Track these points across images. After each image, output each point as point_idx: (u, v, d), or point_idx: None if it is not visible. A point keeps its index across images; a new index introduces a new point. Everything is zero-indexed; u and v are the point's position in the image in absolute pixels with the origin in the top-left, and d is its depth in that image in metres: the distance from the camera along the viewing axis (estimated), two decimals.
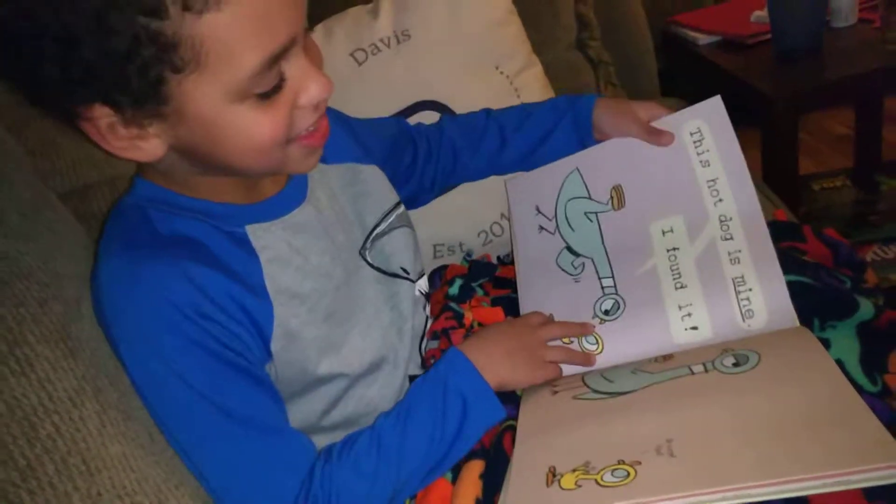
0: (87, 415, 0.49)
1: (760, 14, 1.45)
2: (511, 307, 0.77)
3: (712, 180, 0.73)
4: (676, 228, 0.73)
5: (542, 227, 0.81)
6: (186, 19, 0.46)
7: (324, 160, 0.66)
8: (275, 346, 0.60)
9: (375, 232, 0.72)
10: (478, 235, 0.99)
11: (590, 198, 0.79)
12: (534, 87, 1.05)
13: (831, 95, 1.37)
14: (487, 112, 0.88)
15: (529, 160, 0.85)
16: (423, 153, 0.85)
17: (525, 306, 0.76)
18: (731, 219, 0.71)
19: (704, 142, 0.75)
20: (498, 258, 0.92)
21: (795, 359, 0.59)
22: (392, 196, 0.77)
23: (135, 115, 0.50)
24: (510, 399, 0.65)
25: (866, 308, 0.64)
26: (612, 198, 0.78)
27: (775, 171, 1.31)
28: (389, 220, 0.74)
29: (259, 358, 0.59)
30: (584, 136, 0.82)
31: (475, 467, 0.59)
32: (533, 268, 0.79)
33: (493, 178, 0.91)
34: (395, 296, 0.71)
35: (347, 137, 0.75)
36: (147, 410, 0.56)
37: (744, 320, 0.66)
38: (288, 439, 0.58)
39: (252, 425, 0.56)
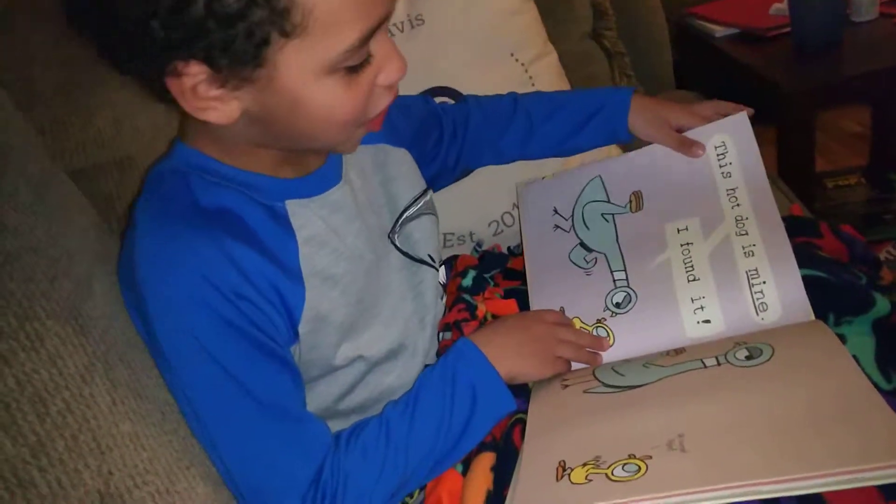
0: (97, 392, 0.49)
1: (780, 7, 1.43)
2: (523, 299, 0.76)
3: (732, 189, 0.74)
4: (692, 227, 0.73)
5: (557, 226, 0.81)
6: None
7: None
8: (303, 328, 0.59)
9: (405, 216, 0.71)
10: (488, 225, 0.98)
11: (608, 201, 0.80)
12: (549, 75, 1.04)
13: (849, 91, 1.35)
14: (515, 97, 0.87)
15: (557, 150, 0.85)
16: (449, 133, 0.84)
17: (535, 299, 0.75)
18: (746, 218, 0.71)
19: (728, 155, 0.76)
20: (508, 248, 0.91)
21: (810, 352, 0.59)
22: (421, 181, 0.76)
23: (227, 76, 0.50)
24: (520, 392, 0.64)
25: (882, 304, 0.63)
26: (630, 202, 0.79)
27: (791, 167, 1.30)
28: (419, 205, 0.73)
29: (286, 340, 0.59)
30: (617, 136, 0.82)
31: (486, 460, 0.58)
32: (544, 262, 0.78)
33: (504, 168, 0.90)
34: (420, 283, 0.71)
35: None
36: (170, 383, 0.56)
37: (757, 313, 0.65)
38: (308, 426, 0.58)
39: (275, 410, 0.56)
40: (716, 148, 0.77)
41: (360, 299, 0.64)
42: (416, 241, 0.72)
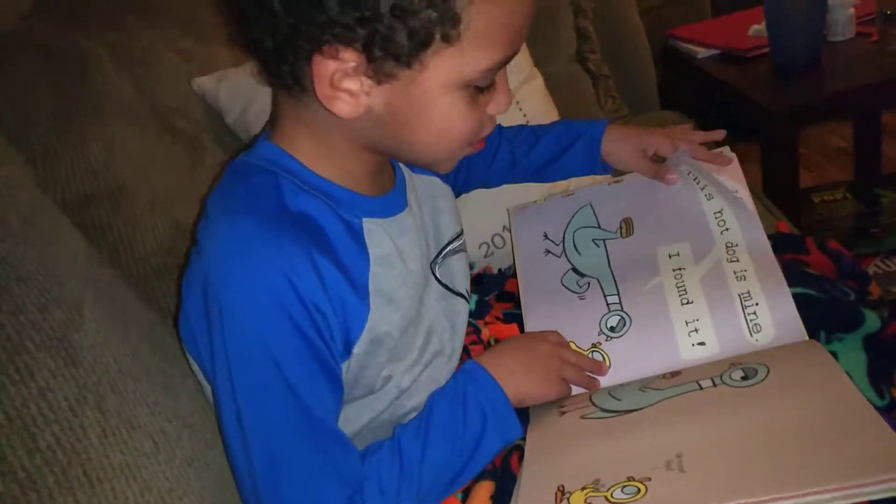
0: (88, 424, 0.48)
1: (759, 28, 1.46)
2: (519, 322, 0.76)
3: (718, 211, 0.76)
4: (683, 252, 0.74)
5: (548, 251, 0.81)
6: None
7: (413, 168, 0.69)
8: (359, 347, 0.58)
9: (448, 248, 0.71)
10: (479, 247, 0.99)
11: (599, 227, 0.81)
12: (535, 99, 1.06)
13: (830, 108, 1.38)
14: (499, 129, 0.88)
15: (538, 177, 0.88)
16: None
17: (530, 324, 0.75)
18: (737, 245, 0.72)
19: (701, 179, 0.79)
20: (499, 270, 0.92)
21: (805, 370, 0.59)
22: (460, 219, 0.76)
23: (375, 70, 0.51)
24: (519, 418, 0.64)
25: (872, 320, 0.64)
26: (620, 227, 0.80)
27: (776, 184, 1.32)
28: (459, 242, 0.73)
29: (340, 356, 0.57)
30: (593, 165, 0.84)
31: (485, 488, 0.58)
32: (538, 287, 0.78)
33: (493, 191, 0.91)
34: (456, 315, 0.70)
35: None
36: (217, 381, 0.54)
37: (751, 335, 0.65)
38: (348, 451, 0.57)
39: (324, 429, 0.55)
40: (689, 173, 0.80)
41: (409, 324, 0.63)
42: (455, 275, 0.71)
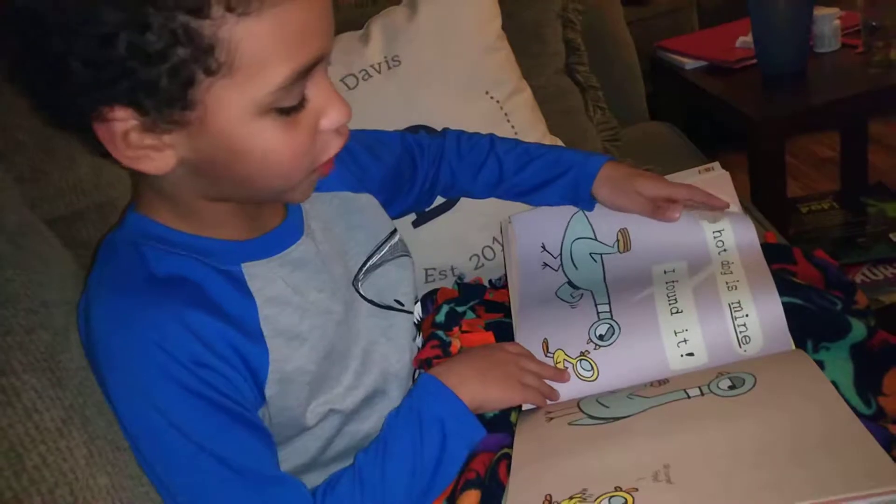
0: (74, 445, 0.48)
1: (746, 39, 1.47)
2: (503, 331, 0.76)
3: (718, 231, 0.76)
4: (679, 269, 0.74)
5: (546, 264, 0.81)
6: (227, 21, 0.45)
7: (317, 189, 0.65)
8: (269, 390, 0.58)
9: (369, 264, 0.71)
10: (469, 259, 0.99)
11: (595, 238, 0.81)
12: (523, 111, 1.06)
13: (816, 119, 1.39)
14: (492, 141, 0.87)
15: (523, 200, 0.86)
16: (425, 165, 0.86)
17: (520, 332, 0.75)
18: (732, 262, 0.72)
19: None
20: (490, 282, 0.92)
21: (791, 381, 0.59)
22: (387, 225, 0.76)
23: (156, 121, 0.49)
24: (505, 426, 0.64)
25: (859, 329, 0.64)
26: (618, 240, 0.80)
27: (763, 195, 1.33)
28: (383, 252, 0.73)
29: (253, 403, 0.58)
30: (579, 201, 0.82)
31: (471, 497, 0.57)
32: (531, 297, 0.78)
33: (483, 202, 0.91)
34: (390, 328, 0.70)
35: (340, 165, 0.74)
36: (138, 460, 0.54)
37: (740, 346, 0.66)
38: (286, 487, 0.57)
39: (251, 475, 0.55)
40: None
41: (329, 353, 0.63)
42: (382, 288, 0.71)
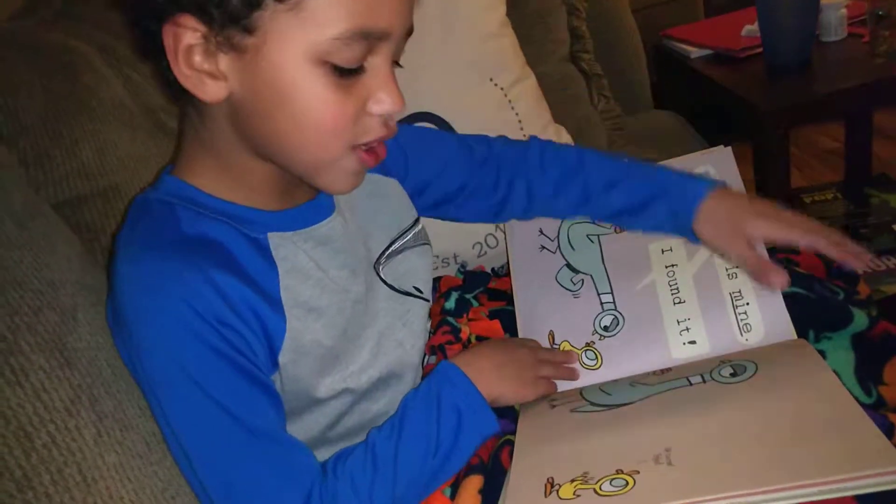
0: (82, 424, 0.49)
1: (751, 28, 1.46)
2: (508, 319, 0.77)
3: None
4: (676, 248, 0.74)
5: (543, 247, 0.81)
6: None
7: None
8: (283, 358, 0.59)
9: (391, 249, 0.71)
10: (472, 247, 0.99)
11: (593, 223, 0.81)
12: (528, 98, 1.06)
13: (821, 109, 1.39)
14: (580, 154, 0.78)
15: (617, 221, 0.77)
16: (490, 179, 0.79)
17: (523, 322, 0.75)
18: None
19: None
20: (492, 269, 0.92)
21: (792, 368, 0.60)
22: (411, 212, 0.75)
23: (217, 39, 0.51)
24: (508, 414, 0.64)
25: (860, 319, 0.64)
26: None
27: (767, 184, 1.32)
28: (406, 239, 0.73)
29: (268, 368, 0.59)
30: (683, 233, 0.71)
31: (474, 483, 0.58)
32: (532, 284, 0.79)
33: None
34: (407, 313, 0.70)
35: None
36: (155, 413, 0.55)
37: (741, 334, 0.66)
38: (296, 453, 0.58)
39: (262, 436, 0.56)
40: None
41: (345, 331, 0.63)
42: (402, 274, 0.71)
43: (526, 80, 1.07)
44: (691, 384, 0.61)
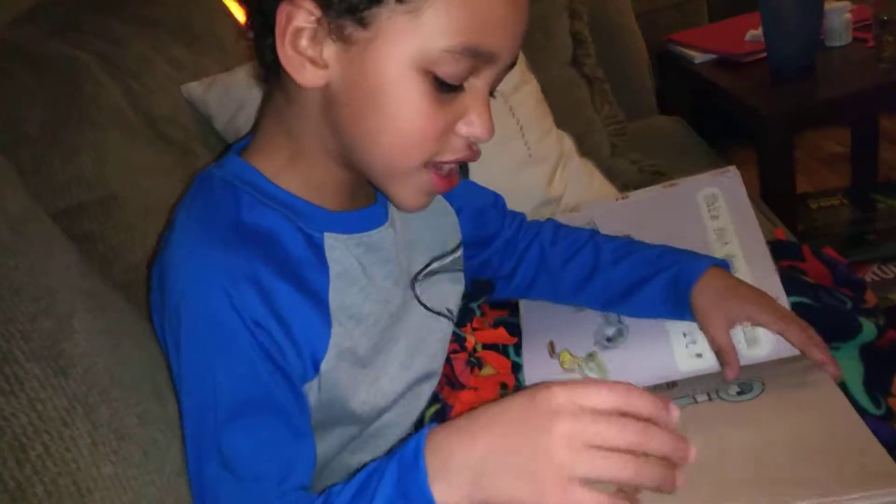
0: (77, 434, 0.48)
1: (755, 33, 1.46)
2: (511, 329, 0.76)
3: (720, 229, 0.76)
4: None
5: None
6: None
7: None
8: (326, 365, 0.58)
9: (429, 268, 0.70)
10: None
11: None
12: (529, 103, 1.06)
13: (826, 114, 1.38)
14: (592, 233, 0.79)
15: (618, 306, 0.74)
16: (505, 236, 0.80)
17: (526, 335, 0.75)
18: (735, 256, 0.73)
19: (717, 203, 0.80)
20: None
21: (799, 387, 0.59)
22: (456, 236, 0.75)
23: (330, 27, 0.51)
24: None
25: (868, 329, 0.64)
26: None
27: (772, 190, 1.32)
28: (445, 261, 0.72)
29: (299, 373, 0.57)
30: (678, 304, 0.69)
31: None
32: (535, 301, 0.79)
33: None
34: (437, 332, 0.69)
35: None
36: (177, 393, 0.56)
37: (748, 347, 0.66)
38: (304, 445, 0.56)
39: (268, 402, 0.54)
40: (705, 198, 0.81)
41: (376, 343, 0.62)
42: (434, 295, 0.69)
43: (527, 84, 1.07)
44: (697, 402, 0.61)
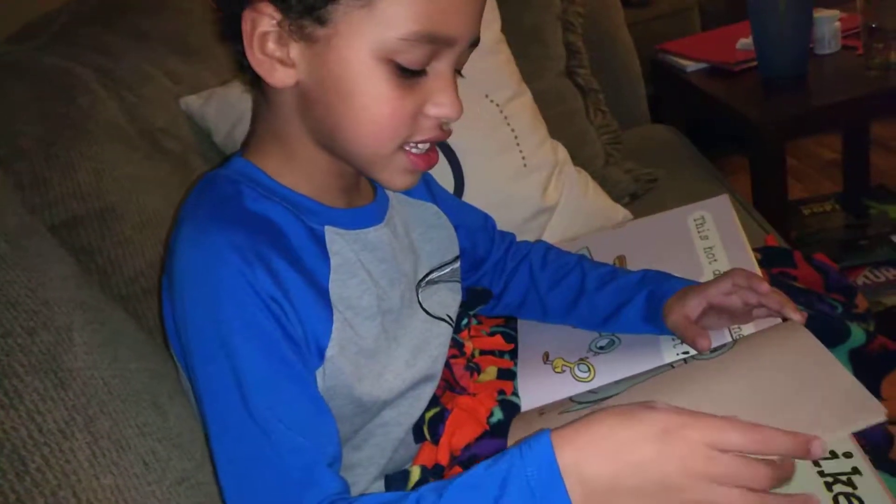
0: (77, 446, 0.48)
1: (746, 42, 1.47)
2: (508, 339, 0.77)
3: (710, 248, 0.80)
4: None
5: None
6: None
7: (410, 194, 0.70)
8: (330, 351, 0.58)
9: (429, 277, 0.71)
10: None
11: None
12: (524, 114, 1.06)
13: (817, 121, 1.39)
14: (581, 258, 0.82)
15: (602, 329, 0.77)
16: (495, 256, 0.83)
17: (523, 349, 0.76)
18: (722, 270, 0.75)
19: (706, 225, 0.84)
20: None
21: (769, 334, 0.63)
22: (454, 248, 0.76)
23: (291, 28, 0.53)
24: (500, 432, 0.64)
25: (857, 334, 0.64)
26: (614, 263, 0.84)
27: (764, 197, 1.33)
28: (444, 272, 0.73)
29: (308, 357, 0.57)
30: (654, 318, 0.72)
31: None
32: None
33: (490, 205, 0.90)
34: (439, 336, 0.70)
35: (442, 196, 0.78)
36: (193, 386, 0.56)
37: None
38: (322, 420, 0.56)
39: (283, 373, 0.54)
40: (695, 220, 0.85)
41: (381, 338, 0.63)
42: (437, 302, 0.71)
43: (521, 95, 1.07)
44: (673, 367, 0.63)
